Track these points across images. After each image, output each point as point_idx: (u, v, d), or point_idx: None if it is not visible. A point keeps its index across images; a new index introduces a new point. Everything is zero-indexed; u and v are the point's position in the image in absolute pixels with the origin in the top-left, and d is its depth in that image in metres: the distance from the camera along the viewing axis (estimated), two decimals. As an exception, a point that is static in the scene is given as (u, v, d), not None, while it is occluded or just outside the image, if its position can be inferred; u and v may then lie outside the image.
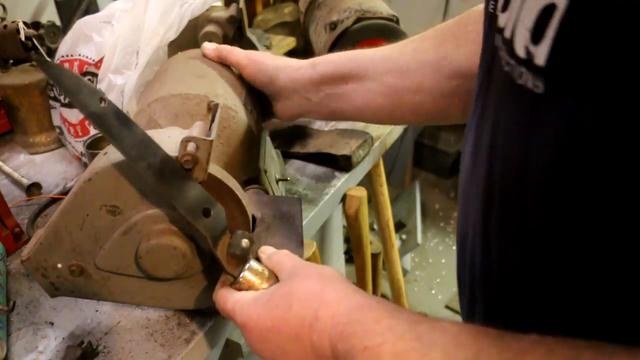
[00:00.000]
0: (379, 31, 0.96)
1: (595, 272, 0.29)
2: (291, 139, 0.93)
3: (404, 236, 2.09)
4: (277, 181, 0.74)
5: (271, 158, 0.75)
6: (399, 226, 2.10)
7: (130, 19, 0.82)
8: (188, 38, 0.81)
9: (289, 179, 0.82)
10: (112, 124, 0.43)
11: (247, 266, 0.47)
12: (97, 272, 0.54)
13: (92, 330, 0.61)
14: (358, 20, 0.95)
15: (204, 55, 0.70)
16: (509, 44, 0.30)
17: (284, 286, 0.44)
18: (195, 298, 0.57)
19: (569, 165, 0.27)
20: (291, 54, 1.52)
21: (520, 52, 0.29)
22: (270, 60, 0.68)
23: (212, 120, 0.51)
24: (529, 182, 0.31)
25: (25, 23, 0.98)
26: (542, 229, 0.31)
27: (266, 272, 0.47)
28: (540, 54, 0.27)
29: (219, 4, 0.88)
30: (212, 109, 0.54)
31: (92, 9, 1.29)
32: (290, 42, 1.43)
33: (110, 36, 0.83)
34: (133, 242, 0.51)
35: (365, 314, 0.37)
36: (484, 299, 0.41)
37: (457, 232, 0.47)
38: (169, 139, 0.49)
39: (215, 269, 0.52)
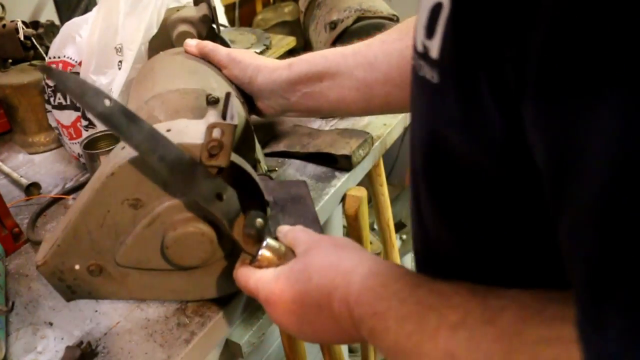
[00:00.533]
0: (379, 30, 0.95)
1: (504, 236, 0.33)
2: (291, 139, 0.93)
3: (404, 236, 2.08)
4: (268, 171, 0.76)
5: (259, 150, 0.75)
6: (399, 226, 2.09)
7: (103, 17, 0.82)
8: (162, 39, 0.81)
9: (277, 169, 0.86)
10: (120, 122, 0.44)
11: (264, 244, 0.49)
12: (116, 269, 0.53)
13: (92, 330, 0.60)
14: (358, 19, 0.95)
15: (186, 52, 0.72)
16: (415, 39, 0.33)
17: (301, 260, 0.46)
18: (215, 286, 0.57)
19: (468, 152, 0.31)
20: (291, 53, 1.52)
21: (419, 46, 0.32)
22: (250, 60, 0.69)
23: (226, 109, 0.52)
24: (436, 166, 0.35)
25: (24, 22, 0.98)
26: (453, 204, 0.35)
27: (283, 249, 0.49)
28: (434, 48, 0.30)
29: None
30: (225, 97, 0.55)
31: (92, 8, 1.28)
32: (290, 41, 1.42)
33: (87, 36, 0.83)
34: (157, 233, 0.51)
35: (375, 281, 0.39)
36: (423, 265, 0.45)
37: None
38: (187, 128, 0.50)
39: (235, 254, 0.53)
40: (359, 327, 0.39)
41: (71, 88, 0.43)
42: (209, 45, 0.71)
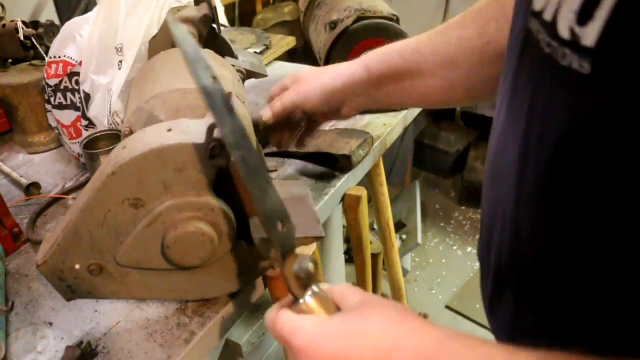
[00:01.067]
0: (379, 30, 0.95)
1: (634, 256, 0.29)
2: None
3: (404, 236, 2.08)
4: (268, 171, 0.76)
5: (260, 150, 0.76)
6: (399, 226, 2.09)
7: (103, 17, 0.82)
8: (163, 39, 0.81)
9: (277, 169, 0.87)
10: (217, 105, 0.44)
11: (311, 291, 0.45)
12: (117, 269, 0.53)
13: (92, 330, 0.60)
14: (358, 19, 0.95)
15: (268, 120, 0.71)
16: (550, 26, 0.31)
17: (356, 314, 0.40)
18: (216, 286, 0.57)
19: (614, 147, 0.28)
20: (291, 53, 1.52)
21: (565, 33, 0.29)
22: (319, 81, 0.68)
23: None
24: (568, 164, 0.31)
25: (24, 22, 0.98)
26: (580, 212, 0.32)
27: (329, 300, 0.45)
28: (588, 35, 0.28)
29: None
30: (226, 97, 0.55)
31: (92, 8, 1.28)
32: (290, 41, 1.42)
33: (87, 36, 0.83)
34: (157, 233, 0.51)
35: (456, 343, 0.35)
36: (514, 282, 0.40)
37: (482, 215, 0.47)
38: (188, 128, 0.49)
39: (234, 255, 0.53)
40: None
41: (186, 50, 0.45)
42: (285, 104, 0.69)
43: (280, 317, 0.44)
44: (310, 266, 0.44)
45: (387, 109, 0.85)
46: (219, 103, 0.44)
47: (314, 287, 0.44)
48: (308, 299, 0.44)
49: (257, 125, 0.69)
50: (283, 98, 0.69)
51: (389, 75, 0.66)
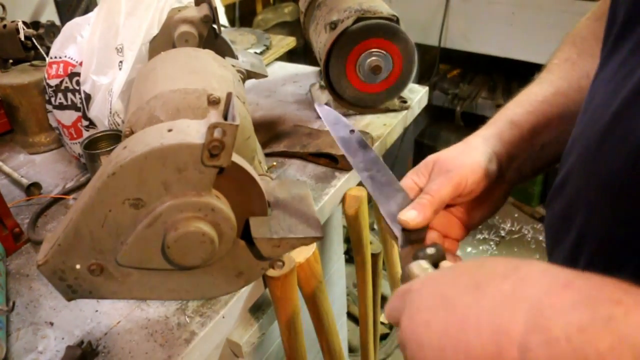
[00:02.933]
0: (379, 31, 0.96)
1: None
2: (291, 139, 0.93)
3: (404, 236, 2.09)
4: (268, 169, 0.77)
5: (259, 149, 0.76)
6: (399, 226, 2.09)
7: (104, 17, 0.82)
8: (163, 39, 0.82)
9: (275, 164, 0.88)
10: (351, 146, 0.54)
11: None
12: (117, 269, 0.54)
13: (92, 330, 0.61)
14: (358, 20, 0.95)
15: (416, 225, 0.52)
16: None
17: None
18: (216, 286, 0.57)
19: None
20: (291, 53, 1.52)
21: None
22: (469, 158, 0.53)
23: (227, 109, 0.52)
24: None
25: (24, 23, 0.98)
26: None
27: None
28: None
29: None
30: (226, 97, 0.55)
31: (92, 9, 1.29)
32: (290, 41, 1.43)
33: (88, 36, 0.83)
34: (157, 233, 0.51)
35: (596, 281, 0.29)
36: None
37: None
38: (188, 128, 0.50)
39: (234, 255, 0.53)
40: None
41: (327, 118, 0.56)
42: (435, 202, 0.50)
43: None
44: (432, 249, 0.44)
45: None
46: (353, 145, 0.54)
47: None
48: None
49: (257, 124, 0.69)
50: (430, 187, 0.51)
51: (538, 126, 0.54)
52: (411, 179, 0.53)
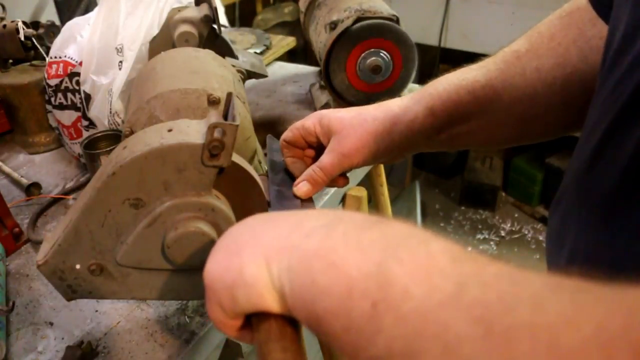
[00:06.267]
0: (379, 31, 0.96)
1: None
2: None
3: (404, 236, 2.09)
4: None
5: (259, 149, 0.76)
6: (399, 226, 2.09)
7: (104, 17, 0.82)
8: (163, 39, 0.82)
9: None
10: (277, 168, 0.60)
11: None
12: (117, 269, 0.54)
13: (92, 330, 0.61)
14: (358, 20, 0.95)
15: (305, 195, 0.58)
16: None
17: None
18: None
19: None
20: (291, 53, 1.52)
21: None
22: (367, 132, 0.55)
23: (227, 109, 0.52)
24: None
25: (24, 23, 0.98)
26: None
27: None
28: None
29: None
30: (226, 97, 0.55)
31: (92, 8, 1.29)
32: (290, 41, 1.43)
33: (88, 36, 0.83)
34: (157, 233, 0.51)
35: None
36: None
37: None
38: (188, 128, 0.50)
39: None
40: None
41: (271, 146, 0.64)
42: (321, 175, 0.55)
43: None
44: None
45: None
46: (274, 168, 0.60)
47: None
48: None
49: (257, 124, 0.70)
50: (324, 166, 0.55)
51: (456, 117, 0.55)
52: (299, 133, 0.58)
